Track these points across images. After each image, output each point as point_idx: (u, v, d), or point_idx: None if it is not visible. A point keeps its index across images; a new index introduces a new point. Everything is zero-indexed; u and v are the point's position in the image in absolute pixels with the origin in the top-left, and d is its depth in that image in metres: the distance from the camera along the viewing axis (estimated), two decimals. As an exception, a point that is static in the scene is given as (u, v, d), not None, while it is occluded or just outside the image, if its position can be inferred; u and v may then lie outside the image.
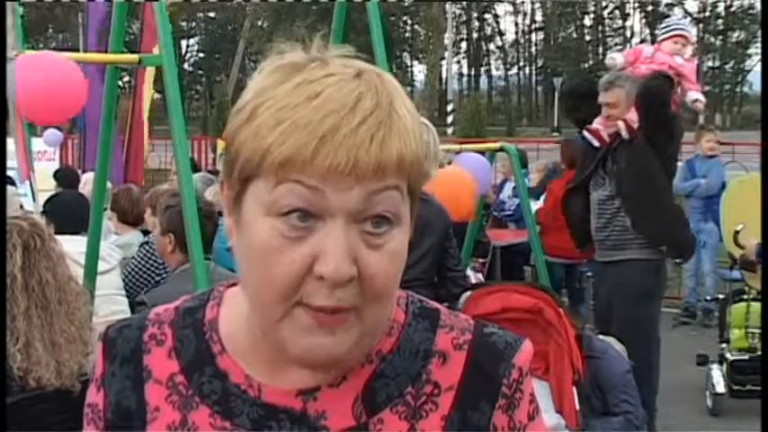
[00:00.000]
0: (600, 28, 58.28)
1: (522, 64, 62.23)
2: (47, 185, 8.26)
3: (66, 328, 2.45)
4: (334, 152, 0.84)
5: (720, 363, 6.00)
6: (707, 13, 52.69)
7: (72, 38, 38.59)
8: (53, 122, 5.31)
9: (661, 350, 4.89)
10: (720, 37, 53.47)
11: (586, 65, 55.35)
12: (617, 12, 57.77)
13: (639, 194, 4.69)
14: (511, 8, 60.64)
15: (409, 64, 58.17)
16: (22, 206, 6.30)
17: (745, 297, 5.97)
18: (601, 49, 56.47)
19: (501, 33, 62.25)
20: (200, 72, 58.67)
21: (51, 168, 9.28)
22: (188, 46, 58.12)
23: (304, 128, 0.85)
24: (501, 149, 5.32)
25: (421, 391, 0.96)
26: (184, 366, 0.99)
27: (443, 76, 47.01)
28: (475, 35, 62.04)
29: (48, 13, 42.82)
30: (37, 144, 9.10)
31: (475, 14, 59.92)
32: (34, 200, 7.33)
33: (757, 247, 4.90)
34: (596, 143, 4.87)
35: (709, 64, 51.36)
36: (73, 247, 3.69)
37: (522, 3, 59.43)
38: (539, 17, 60.88)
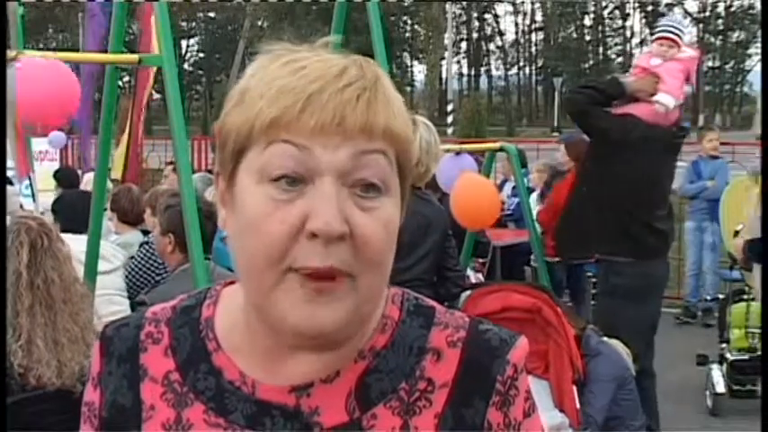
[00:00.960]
0: (600, 28, 58.32)
1: (522, 64, 62.27)
2: (47, 185, 8.27)
3: (69, 327, 2.46)
4: (321, 110, 0.86)
5: (720, 363, 6.01)
6: (707, 13, 52.76)
7: (72, 38, 38.58)
8: (52, 126, 5.31)
9: (661, 350, 4.89)
10: (720, 37, 53.53)
11: (586, 65, 55.44)
12: (617, 12, 57.84)
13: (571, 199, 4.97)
14: (511, 8, 60.75)
15: (409, 64, 58.22)
16: (22, 206, 6.31)
17: (745, 297, 5.98)
18: (601, 49, 56.57)
19: (501, 33, 62.33)
20: (200, 72, 58.71)
21: (52, 168, 9.30)
22: (188, 46, 58.16)
23: (291, 91, 0.87)
24: (501, 149, 5.32)
25: (414, 387, 0.96)
26: (180, 364, 0.99)
27: (443, 76, 47.04)
28: (475, 35, 62.08)
29: (48, 13, 42.84)
30: (37, 144, 9.12)
31: (475, 14, 59.96)
32: (34, 200, 7.34)
33: (745, 245, 4.88)
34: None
35: (709, 64, 51.39)
36: (77, 246, 3.71)
37: (522, 3, 59.50)
38: (539, 17, 60.95)
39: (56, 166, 10.23)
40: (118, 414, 1.00)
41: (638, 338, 4.57)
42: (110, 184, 5.02)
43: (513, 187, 8.51)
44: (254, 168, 0.88)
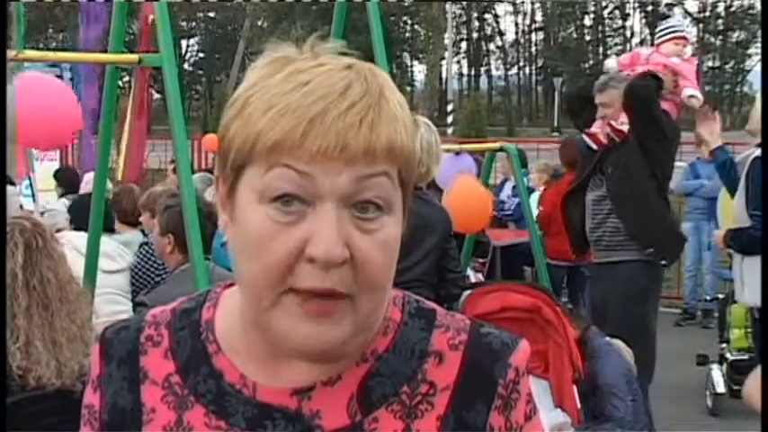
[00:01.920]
0: (600, 28, 58.27)
1: (522, 64, 62.21)
2: (47, 185, 8.26)
3: (67, 327, 2.45)
4: (323, 135, 0.85)
5: (720, 363, 6.00)
6: (707, 13, 52.73)
7: (72, 38, 38.57)
8: (48, 148, 5.29)
9: (661, 350, 4.89)
10: (720, 37, 53.49)
11: (586, 65, 55.38)
12: (617, 12, 57.77)
13: (624, 196, 4.72)
14: (511, 8, 60.65)
15: (409, 64, 58.14)
16: (21, 206, 6.30)
17: (745, 297, 5.97)
18: (601, 49, 56.52)
19: (501, 33, 62.24)
20: (200, 72, 58.63)
21: (52, 168, 9.28)
22: (188, 46, 58.09)
23: (293, 112, 0.86)
24: (501, 149, 5.32)
25: (416, 390, 0.95)
26: (180, 367, 0.99)
27: (443, 76, 47.00)
28: (475, 35, 62.01)
29: (48, 13, 42.81)
30: (37, 144, 9.09)
31: (475, 14, 59.89)
32: (34, 200, 7.33)
33: (726, 235, 4.85)
34: (594, 146, 4.89)
35: (709, 64, 51.35)
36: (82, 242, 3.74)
37: (522, 3, 59.44)
38: (539, 17, 60.89)
39: (56, 165, 10.22)
40: (118, 417, 0.99)
41: (653, 339, 4.62)
42: (109, 185, 5.02)
43: (514, 187, 8.50)
44: (255, 188, 0.88)
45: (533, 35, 61.86)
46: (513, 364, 0.97)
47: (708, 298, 8.56)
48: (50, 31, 52.27)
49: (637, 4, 56.21)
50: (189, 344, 0.99)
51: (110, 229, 4.71)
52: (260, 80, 0.90)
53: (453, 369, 0.96)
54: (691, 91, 4.75)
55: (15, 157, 6.60)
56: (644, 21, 56.27)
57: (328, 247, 0.85)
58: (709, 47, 51.23)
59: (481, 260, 7.72)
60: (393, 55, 46.75)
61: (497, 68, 62.86)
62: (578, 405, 3.60)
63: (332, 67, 0.89)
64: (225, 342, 0.98)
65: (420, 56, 51.37)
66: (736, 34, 53.10)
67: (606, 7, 57.61)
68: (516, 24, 62.06)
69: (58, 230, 4.09)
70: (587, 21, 58.59)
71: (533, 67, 61.89)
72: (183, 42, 54.56)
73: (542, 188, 8.17)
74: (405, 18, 53.55)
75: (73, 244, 4.00)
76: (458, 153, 5.16)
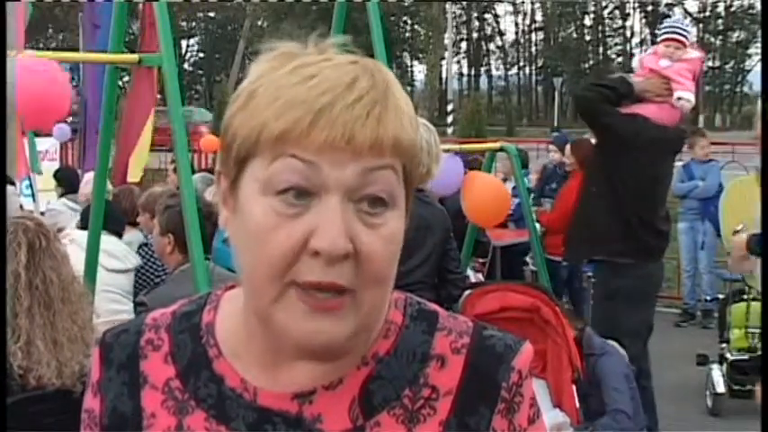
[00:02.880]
0: (600, 28, 58.28)
1: (522, 64, 62.23)
2: (47, 185, 8.27)
3: (68, 327, 2.45)
4: (330, 126, 0.84)
5: (720, 363, 6.00)
6: (707, 13, 52.74)
7: (72, 38, 38.56)
8: (42, 127, 5.28)
9: (661, 350, 4.89)
10: (720, 37, 53.50)
11: (586, 65, 55.41)
12: (617, 12, 57.79)
13: (581, 200, 4.92)
14: (511, 8, 60.69)
15: (409, 64, 58.17)
16: (21, 206, 6.30)
17: (745, 297, 5.97)
18: (601, 49, 56.56)
19: (501, 33, 62.28)
20: (200, 72, 58.65)
21: (52, 168, 9.28)
22: (188, 46, 58.10)
23: (301, 104, 0.85)
24: (501, 149, 5.32)
25: (418, 394, 0.94)
26: (180, 371, 0.98)
27: (443, 76, 46.98)
28: (475, 35, 62.04)
29: (48, 13, 42.81)
30: (39, 144, 9.11)
31: (475, 14, 59.92)
32: (34, 200, 7.34)
33: (748, 240, 4.79)
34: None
35: (709, 64, 51.32)
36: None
37: (522, 3, 59.47)
38: (539, 17, 60.92)
39: (56, 165, 10.22)
40: (118, 421, 0.99)
41: (638, 340, 4.57)
42: (109, 185, 5.01)
43: (514, 187, 8.50)
44: (259, 179, 0.87)
45: (533, 35, 61.89)
46: (516, 366, 0.96)
47: (708, 298, 8.57)
48: (50, 31, 52.26)
49: (637, 4, 56.23)
50: (189, 348, 0.99)
51: (117, 233, 4.70)
52: (265, 73, 0.89)
53: (456, 373, 0.96)
54: (680, 93, 4.70)
55: (16, 156, 6.59)
56: (644, 21, 56.29)
57: (332, 239, 0.84)
58: (710, 47, 51.19)
59: (481, 260, 7.72)
60: (393, 55, 46.74)
61: (497, 68, 62.93)
62: (577, 405, 3.60)
63: (338, 62, 0.88)
64: (225, 346, 0.97)
65: (420, 56, 51.38)
66: (736, 34, 53.12)
67: (606, 7, 57.63)
68: (516, 24, 62.14)
69: (59, 230, 4.09)
70: (587, 21, 58.60)
71: (533, 67, 61.90)
72: (183, 42, 54.56)
73: (535, 186, 8.21)
74: (405, 18, 53.54)
75: (79, 243, 4.01)
76: (458, 153, 5.15)
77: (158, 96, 8.32)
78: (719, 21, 53.42)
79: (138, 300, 4.04)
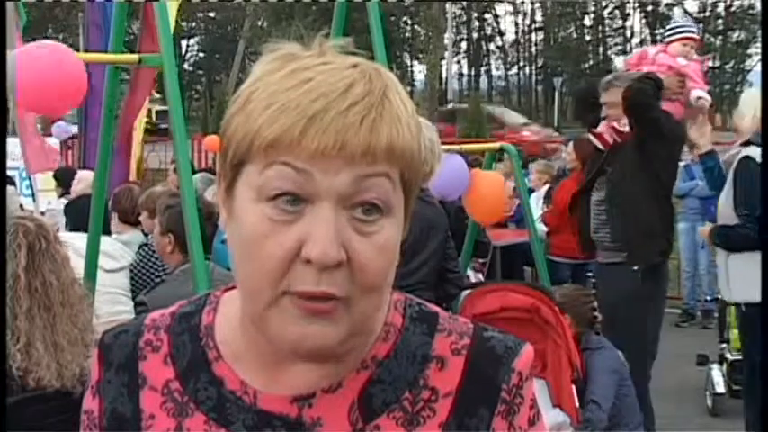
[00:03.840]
0: (600, 28, 58.22)
1: (522, 64, 62.15)
2: (47, 185, 8.26)
3: (68, 329, 2.44)
4: (322, 133, 0.84)
5: (720, 363, 6.01)
6: (707, 13, 52.69)
7: (72, 38, 38.55)
8: (54, 113, 5.25)
9: (661, 350, 4.89)
10: (720, 37, 53.44)
11: (586, 65, 55.38)
12: (617, 12, 57.71)
13: (614, 198, 4.72)
14: (511, 8, 60.59)
15: (409, 64, 58.09)
16: (21, 206, 6.30)
17: (745, 297, 5.96)
18: (601, 49, 56.52)
19: (501, 33, 62.19)
20: (200, 72, 58.61)
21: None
22: (188, 46, 58.05)
23: (293, 110, 0.85)
24: (501, 149, 5.32)
25: (418, 396, 0.94)
26: (180, 373, 0.98)
27: (443, 76, 46.98)
28: (475, 35, 61.98)
29: (48, 13, 42.81)
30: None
31: (475, 14, 59.85)
32: (34, 200, 7.32)
33: (711, 231, 4.83)
34: (601, 146, 4.88)
35: (710, 64, 51.28)
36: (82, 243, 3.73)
37: (522, 3, 59.39)
38: (539, 17, 60.85)
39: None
40: (117, 423, 0.99)
41: (646, 341, 4.60)
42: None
43: (514, 187, 8.50)
44: (253, 186, 0.87)
45: (533, 35, 61.82)
46: (516, 368, 0.96)
47: (707, 298, 8.57)
48: (50, 31, 52.27)
49: (637, 4, 56.17)
50: (189, 349, 0.98)
51: (106, 231, 4.69)
52: (263, 76, 0.89)
53: (456, 374, 0.95)
54: (699, 92, 4.76)
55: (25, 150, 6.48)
56: (644, 21, 56.26)
57: (324, 248, 0.84)
58: (710, 47, 51.18)
59: (481, 260, 7.72)
60: (393, 55, 46.74)
61: (497, 68, 62.83)
62: (577, 404, 3.61)
63: (336, 66, 0.88)
64: (225, 348, 0.97)
65: (420, 56, 51.32)
66: (736, 34, 53.06)
67: (606, 7, 57.55)
68: (516, 24, 62.03)
69: (59, 230, 4.08)
70: (587, 21, 58.53)
71: (533, 67, 61.82)
72: (183, 42, 54.53)
73: (546, 186, 8.18)
74: (405, 18, 53.52)
75: (70, 245, 3.99)
76: (458, 152, 5.15)
77: (158, 96, 8.31)
78: (719, 21, 53.38)
79: (138, 299, 4.04)
